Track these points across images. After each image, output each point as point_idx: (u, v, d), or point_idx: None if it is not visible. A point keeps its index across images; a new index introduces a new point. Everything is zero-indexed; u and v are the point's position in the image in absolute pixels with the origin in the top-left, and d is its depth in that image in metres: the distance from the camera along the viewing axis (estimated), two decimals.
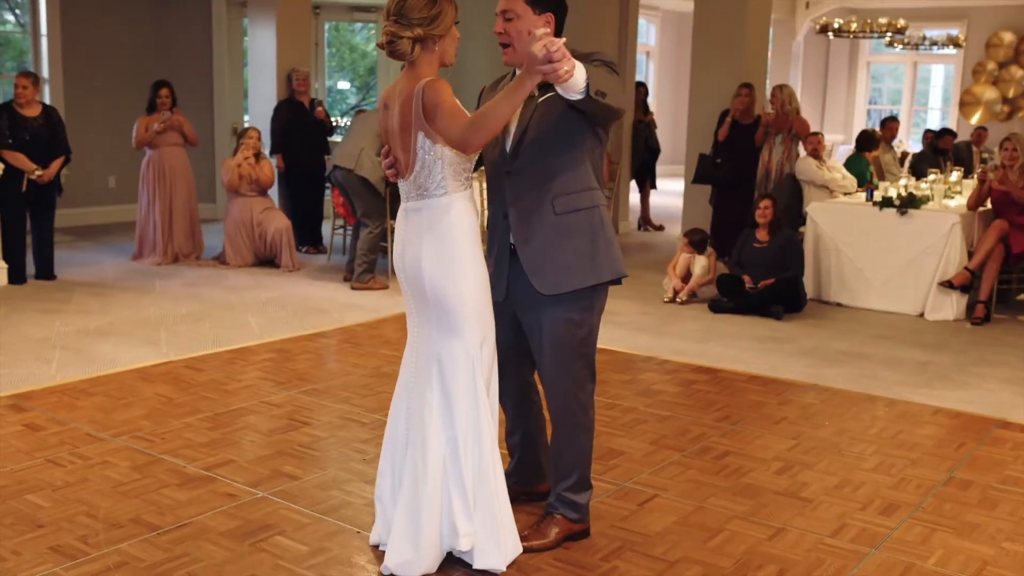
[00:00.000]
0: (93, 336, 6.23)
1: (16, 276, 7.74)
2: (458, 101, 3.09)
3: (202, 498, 3.81)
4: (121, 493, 3.84)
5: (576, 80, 2.85)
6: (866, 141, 9.68)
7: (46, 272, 7.96)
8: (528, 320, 3.40)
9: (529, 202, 3.29)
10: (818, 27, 15.12)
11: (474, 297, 3.18)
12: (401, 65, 3.23)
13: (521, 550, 3.29)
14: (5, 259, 7.70)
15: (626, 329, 6.79)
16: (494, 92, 3.48)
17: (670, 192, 13.99)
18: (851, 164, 9.29)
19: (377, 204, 7.95)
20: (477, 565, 3.20)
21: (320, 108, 9.55)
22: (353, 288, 7.89)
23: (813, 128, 9.92)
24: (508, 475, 3.78)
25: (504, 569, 3.21)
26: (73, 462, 4.14)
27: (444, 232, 3.16)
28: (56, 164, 7.86)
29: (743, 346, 6.41)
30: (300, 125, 9.34)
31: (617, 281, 3.38)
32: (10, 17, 10.97)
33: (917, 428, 4.86)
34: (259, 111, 9.81)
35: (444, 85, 3.10)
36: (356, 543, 3.45)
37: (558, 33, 3.38)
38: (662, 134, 15.76)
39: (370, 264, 7.98)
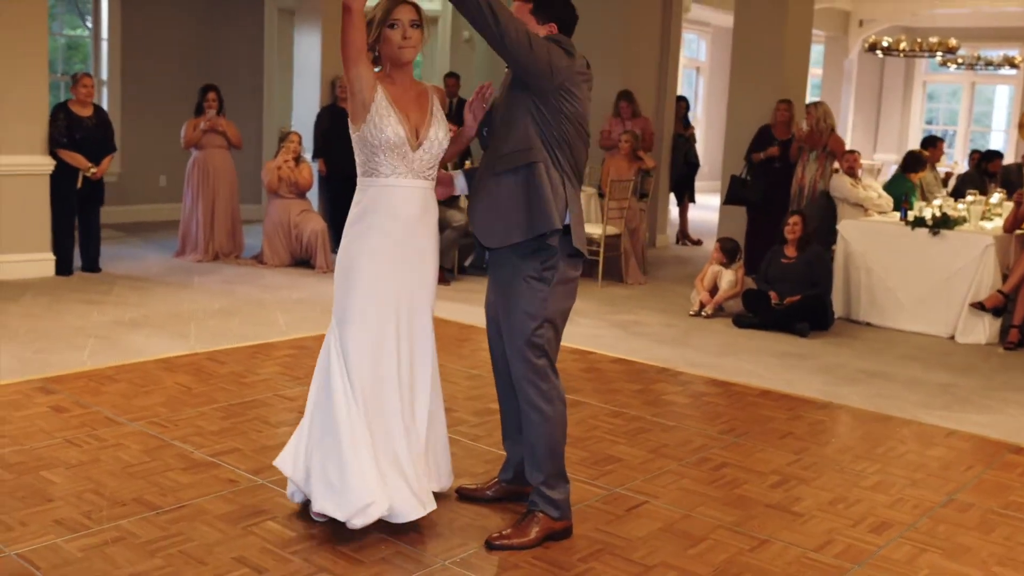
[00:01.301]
0: (127, 327, 6.43)
1: (63, 268, 8.01)
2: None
3: (204, 482, 3.95)
4: (129, 474, 3.99)
5: None
6: (912, 162, 9.53)
7: (92, 265, 8.23)
8: (497, 307, 3.60)
9: (483, 171, 3.55)
10: (867, 45, 14.99)
11: (343, 274, 3.50)
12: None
13: (377, 513, 3.39)
14: (54, 251, 7.97)
15: (647, 340, 6.84)
16: (501, 90, 3.60)
17: (710, 207, 13.94)
18: (892, 185, 9.20)
19: None
20: (313, 508, 3.52)
21: None
22: None
23: (864, 147, 9.88)
24: (501, 471, 3.90)
25: (341, 519, 3.41)
26: (89, 443, 4.31)
27: (351, 211, 3.54)
28: (107, 161, 8.14)
29: (762, 361, 6.43)
30: (341, 131, 9.41)
31: (552, 250, 3.43)
32: (81, 23, 11.34)
33: (926, 449, 4.84)
34: (302, 116, 10.03)
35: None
36: (344, 532, 3.54)
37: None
38: (711, 149, 15.76)
39: None
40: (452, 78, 10.77)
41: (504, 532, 3.52)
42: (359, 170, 3.51)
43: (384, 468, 3.44)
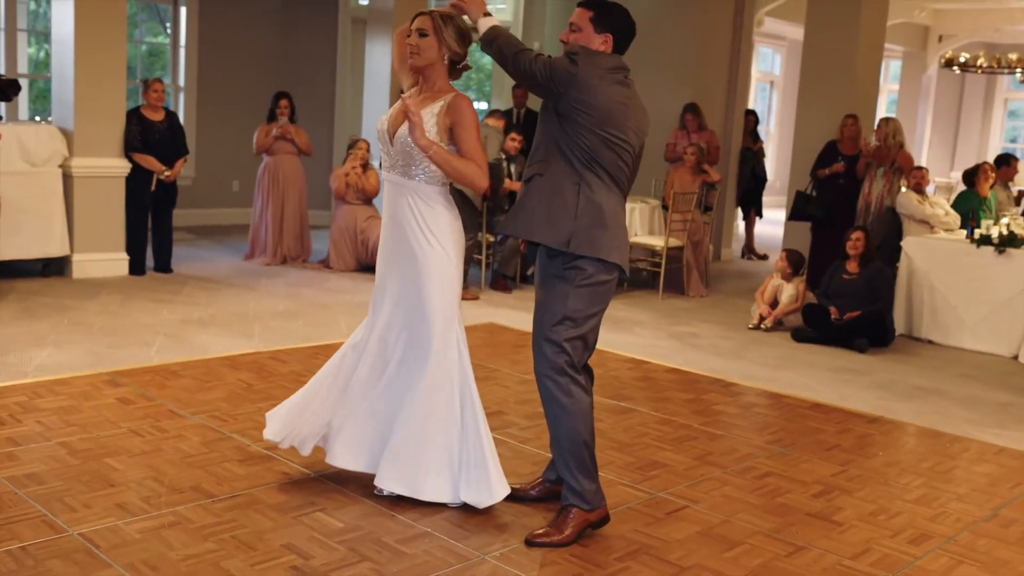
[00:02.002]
0: (195, 326, 6.66)
1: (137, 268, 8.30)
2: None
3: (259, 474, 4.10)
4: (188, 464, 4.17)
5: (478, 22, 3.65)
6: (968, 176, 9.40)
7: (164, 266, 8.50)
8: None
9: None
10: (944, 61, 14.77)
11: None
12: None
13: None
14: (128, 252, 8.27)
15: (703, 352, 6.86)
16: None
17: (777, 222, 13.86)
18: (961, 201, 9.07)
19: (472, 217, 8.22)
20: None
21: None
22: None
23: (941, 165, 9.73)
24: (545, 471, 4.00)
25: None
26: (152, 434, 4.50)
27: None
28: (180, 164, 8.42)
29: (817, 376, 6.42)
30: None
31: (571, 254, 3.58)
32: (162, 30, 11.75)
33: (974, 466, 4.81)
34: (372, 124, 10.24)
35: None
36: (389, 524, 3.67)
37: (617, 52, 3.67)
38: (783, 164, 15.65)
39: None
40: (520, 88, 10.90)
41: (543, 530, 3.61)
42: None
43: (311, 413, 3.98)
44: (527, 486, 4.03)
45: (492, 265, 8.89)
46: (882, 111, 18.02)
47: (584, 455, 3.63)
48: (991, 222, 7.98)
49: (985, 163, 9.38)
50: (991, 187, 9.10)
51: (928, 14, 16.44)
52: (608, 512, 3.71)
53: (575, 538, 3.60)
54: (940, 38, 17.29)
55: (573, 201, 3.55)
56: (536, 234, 3.58)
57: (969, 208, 8.77)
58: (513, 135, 8.65)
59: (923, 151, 18.06)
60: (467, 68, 3.88)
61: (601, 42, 3.63)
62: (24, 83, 10.25)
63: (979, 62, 14.19)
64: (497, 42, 3.60)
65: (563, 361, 3.59)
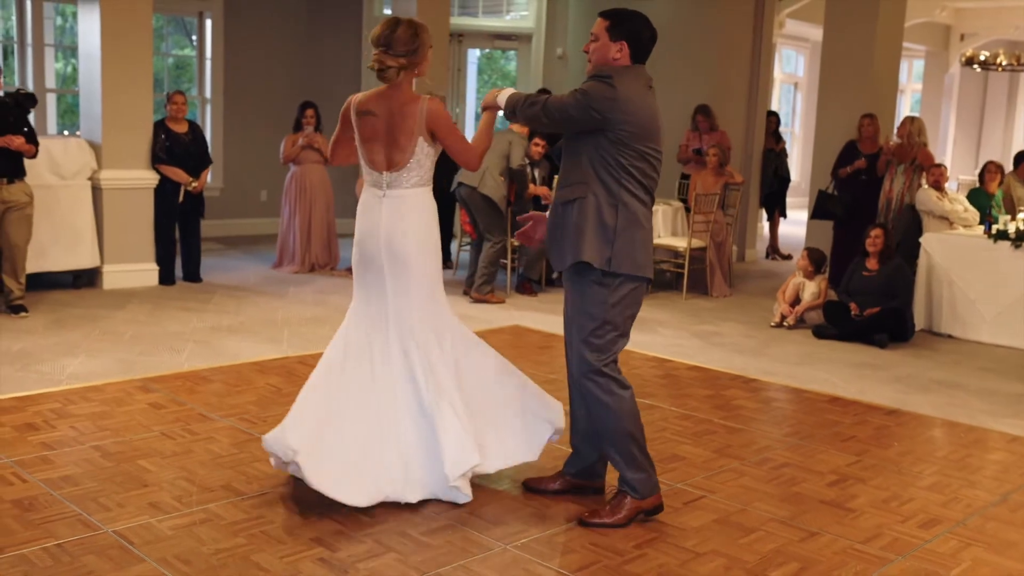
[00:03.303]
0: (224, 333, 6.81)
1: (166, 278, 8.46)
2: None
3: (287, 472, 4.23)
4: (218, 464, 4.30)
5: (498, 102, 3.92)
6: (981, 175, 9.46)
7: (193, 275, 8.67)
8: (566, 310, 3.90)
9: (555, 196, 3.86)
10: (964, 59, 14.75)
11: (436, 286, 4.22)
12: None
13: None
14: (158, 262, 8.43)
15: (725, 350, 6.94)
16: None
17: (803, 222, 13.87)
18: (974, 197, 9.11)
19: (498, 221, 8.33)
20: None
21: None
22: (472, 300, 8.28)
23: (966, 163, 9.73)
24: (566, 465, 4.13)
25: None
26: (183, 436, 4.64)
27: (418, 216, 3.96)
28: (205, 174, 8.59)
29: (837, 371, 6.48)
30: None
31: (631, 277, 3.70)
32: (189, 43, 11.97)
33: (987, 454, 4.88)
34: None
35: (440, 103, 3.98)
36: (413, 518, 3.78)
37: (637, 60, 3.75)
38: (808, 164, 15.66)
39: (489, 277, 8.35)
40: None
41: (596, 511, 3.79)
42: (414, 181, 3.99)
43: None
44: (547, 479, 4.14)
45: (517, 269, 9.00)
46: (906, 110, 18.01)
47: (631, 448, 3.76)
48: (1007, 218, 8.01)
49: (990, 162, 9.43)
50: (999, 185, 9.15)
51: (949, 13, 16.42)
52: (662, 501, 3.84)
53: (627, 522, 3.76)
54: (962, 37, 17.25)
55: (613, 221, 3.66)
56: (583, 255, 3.67)
57: (978, 205, 8.79)
58: (536, 140, 8.75)
59: (947, 149, 18.02)
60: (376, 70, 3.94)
61: (617, 50, 3.73)
62: (52, 97, 10.50)
63: (999, 60, 14.16)
64: (521, 111, 3.78)
65: (602, 363, 3.72)
